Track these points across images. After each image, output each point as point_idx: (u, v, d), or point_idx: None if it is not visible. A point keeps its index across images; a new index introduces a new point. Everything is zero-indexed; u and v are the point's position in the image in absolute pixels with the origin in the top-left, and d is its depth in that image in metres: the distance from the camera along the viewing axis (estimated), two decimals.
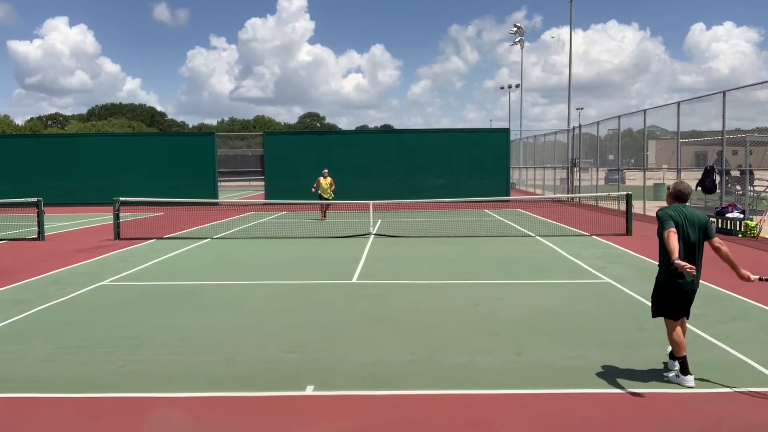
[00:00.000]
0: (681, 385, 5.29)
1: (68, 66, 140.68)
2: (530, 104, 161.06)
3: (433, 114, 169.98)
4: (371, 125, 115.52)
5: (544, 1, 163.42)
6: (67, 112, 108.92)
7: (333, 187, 20.89)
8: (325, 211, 21.08)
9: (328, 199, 20.49)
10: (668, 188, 5.69)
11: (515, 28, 48.90)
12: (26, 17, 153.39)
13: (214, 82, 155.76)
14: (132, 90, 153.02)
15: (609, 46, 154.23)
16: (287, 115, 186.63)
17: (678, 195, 5.51)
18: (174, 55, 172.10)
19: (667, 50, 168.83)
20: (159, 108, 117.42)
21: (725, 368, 5.72)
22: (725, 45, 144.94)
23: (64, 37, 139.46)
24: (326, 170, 21.11)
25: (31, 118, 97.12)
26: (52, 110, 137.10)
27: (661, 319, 5.55)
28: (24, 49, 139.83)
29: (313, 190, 20.72)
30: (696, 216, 5.38)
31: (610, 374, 5.60)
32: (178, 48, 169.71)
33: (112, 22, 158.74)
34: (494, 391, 5.25)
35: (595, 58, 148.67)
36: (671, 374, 5.46)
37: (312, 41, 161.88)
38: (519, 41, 49.35)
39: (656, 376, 5.53)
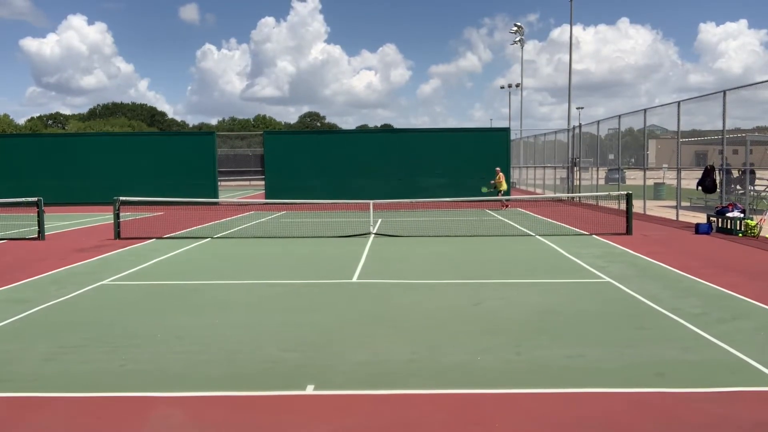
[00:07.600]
0: None
1: (83, 66, 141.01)
2: (538, 104, 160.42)
3: (441, 113, 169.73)
4: (379, 124, 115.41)
5: (556, 1, 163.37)
6: (79, 112, 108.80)
7: (502, 182, 26.33)
8: (502, 202, 25.51)
9: (499, 191, 25.85)
10: None
11: (515, 28, 48.94)
12: (42, 16, 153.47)
13: (224, 82, 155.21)
14: (141, 90, 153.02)
15: (619, 45, 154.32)
16: (297, 114, 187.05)
17: None
18: (184, 55, 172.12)
19: (678, 50, 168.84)
20: (168, 108, 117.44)
21: (725, 368, 5.72)
22: (734, 44, 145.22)
23: (81, 36, 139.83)
24: (498, 168, 26.78)
25: (32, 118, 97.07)
26: (66, 110, 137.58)
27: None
28: (38, 47, 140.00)
29: (494, 187, 25.92)
30: None
31: (610, 373, 5.60)
32: (187, 48, 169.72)
33: (126, 23, 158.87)
34: (494, 390, 5.26)
35: (606, 57, 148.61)
36: None
37: (325, 41, 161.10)
38: (519, 41, 49.38)
39: (656, 375, 5.53)
